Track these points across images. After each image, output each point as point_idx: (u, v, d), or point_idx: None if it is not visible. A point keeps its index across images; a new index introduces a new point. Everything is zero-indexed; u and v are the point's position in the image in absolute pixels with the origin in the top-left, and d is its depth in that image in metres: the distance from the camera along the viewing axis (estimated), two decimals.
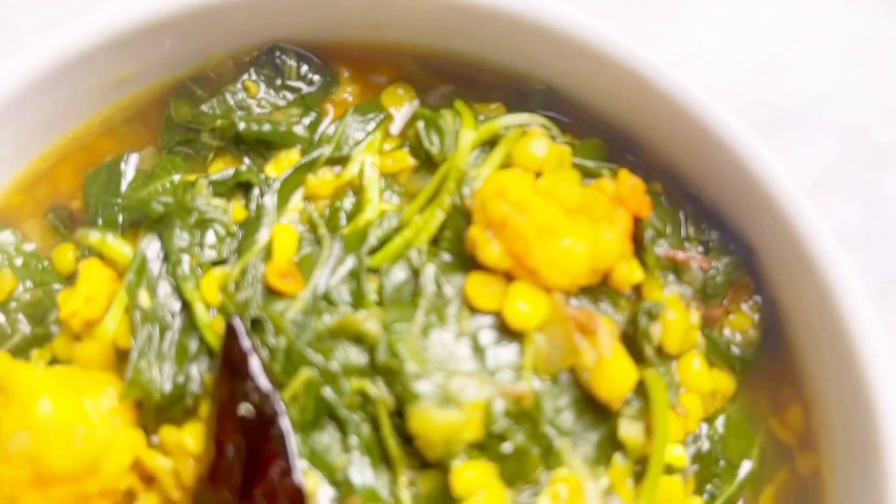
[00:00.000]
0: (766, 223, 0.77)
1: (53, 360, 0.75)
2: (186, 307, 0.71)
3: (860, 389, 0.73)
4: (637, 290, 0.75)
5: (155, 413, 0.68)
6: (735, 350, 0.78)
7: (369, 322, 0.68)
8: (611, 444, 0.69)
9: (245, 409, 0.63)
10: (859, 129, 1.07)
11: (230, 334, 0.66)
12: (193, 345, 0.69)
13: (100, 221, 0.79)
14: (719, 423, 0.77)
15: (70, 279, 0.80)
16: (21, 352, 0.76)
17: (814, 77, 1.07)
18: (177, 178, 0.78)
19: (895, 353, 0.72)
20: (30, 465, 0.61)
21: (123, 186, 0.81)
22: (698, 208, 0.81)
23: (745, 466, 0.77)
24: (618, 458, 0.69)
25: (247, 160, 0.80)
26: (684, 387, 0.75)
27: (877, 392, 0.72)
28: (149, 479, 0.69)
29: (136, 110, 0.85)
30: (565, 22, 0.76)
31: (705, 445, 0.76)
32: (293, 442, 0.63)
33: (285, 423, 0.63)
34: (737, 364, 0.78)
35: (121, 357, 0.72)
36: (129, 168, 0.83)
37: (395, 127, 0.83)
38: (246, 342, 0.65)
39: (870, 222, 1.03)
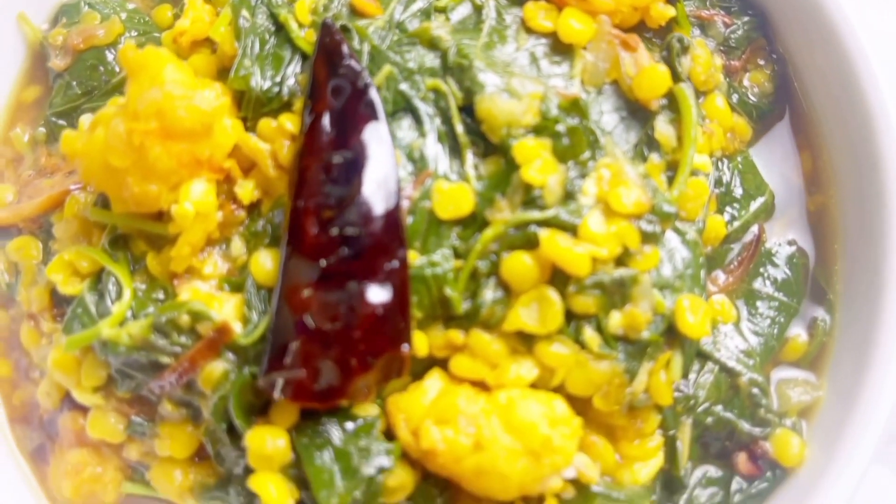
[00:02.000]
0: None
1: None
2: (281, 29, 0.81)
3: (866, 137, 0.83)
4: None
5: (255, 108, 0.78)
6: (752, 99, 0.89)
7: (441, 29, 0.79)
8: (647, 147, 0.80)
9: (338, 82, 0.74)
10: None
11: (325, 30, 0.77)
12: (287, 55, 0.80)
13: None
14: (739, 160, 0.88)
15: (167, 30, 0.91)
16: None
17: None
18: None
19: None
20: (157, 118, 0.72)
21: None
22: None
23: (759, 200, 0.88)
24: (653, 157, 0.80)
25: None
26: (709, 119, 0.85)
27: (881, 140, 0.83)
28: (246, 170, 0.79)
29: None
30: None
31: (726, 176, 0.87)
32: (381, 107, 0.74)
33: (374, 93, 0.74)
34: (754, 112, 0.89)
35: (220, 73, 0.82)
36: None
37: None
38: (338, 34, 0.76)
39: None
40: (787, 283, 0.87)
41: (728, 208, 0.87)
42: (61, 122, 0.89)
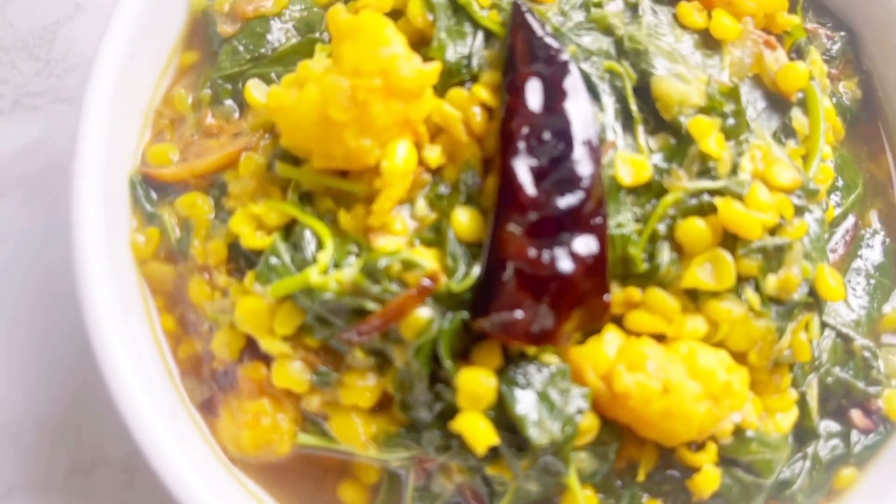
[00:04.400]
0: (868, 14, 1.01)
1: None
2: (459, 10, 0.87)
3: None
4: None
5: (443, 79, 0.84)
6: (847, 102, 1.02)
7: (615, 18, 0.87)
8: (784, 134, 0.91)
9: (539, 55, 0.80)
10: None
11: (517, 10, 0.83)
12: (469, 30, 0.86)
13: None
14: (837, 155, 1.00)
15: (327, 8, 0.96)
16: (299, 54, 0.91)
17: None
18: None
19: None
20: (382, 76, 0.76)
21: None
22: (816, 3, 1.04)
23: (856, 191, 1.00)
24: (790, 143, 0.90)
25: None
26: None
27: None
28: (433, 136, 0.84)
29: None
30: None
31: (830, 154, 0.98)
32: (581, 80, 0.81)
33: (574, 67, 0.81)
34: (847, 113, 1.02)
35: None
36: None
37: None
38: (532, 13, 0.83)
39: None
40: (882, 266, 0.99)
41: (833, 195, 0.98)
42: (227, 85, 0.91)
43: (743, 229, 0.81)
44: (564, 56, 0.81)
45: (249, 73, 0.91)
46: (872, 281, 0.98)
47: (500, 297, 0.76)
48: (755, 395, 0.86)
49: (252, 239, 0.82)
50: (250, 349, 0.83)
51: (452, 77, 0.84)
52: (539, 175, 0.77)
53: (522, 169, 0.78)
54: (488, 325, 0.75)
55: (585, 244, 0.77)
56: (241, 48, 0.91)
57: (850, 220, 0.99)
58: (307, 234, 0.81)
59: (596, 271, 0.77)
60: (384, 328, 0.78)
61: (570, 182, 0.77)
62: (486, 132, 0.83)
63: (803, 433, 0.89)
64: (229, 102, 0.92)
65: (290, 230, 0.82)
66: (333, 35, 0.80)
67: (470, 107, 0.83)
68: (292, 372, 0.81)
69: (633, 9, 0.92)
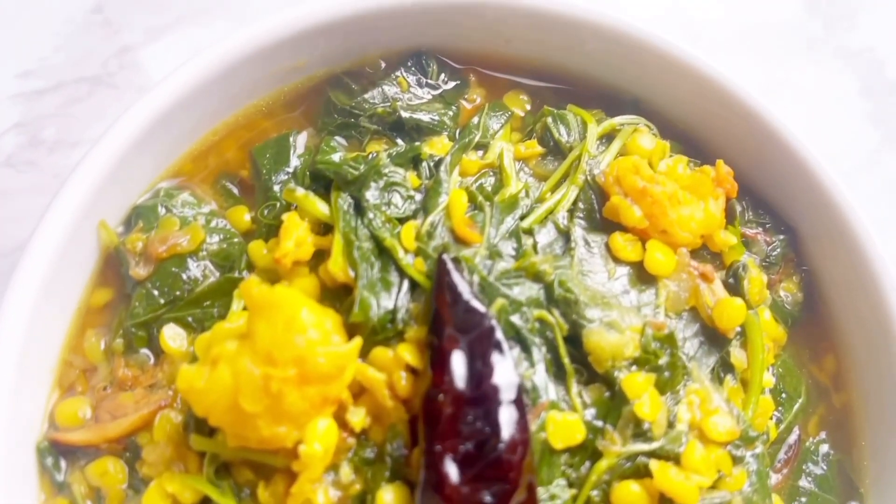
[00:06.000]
0: (808, 210, 0.99)
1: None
2: (383, 253, 0.83)
3: (885, 340, 0.95)
4: (721, 257, 0.95)
5: (368, 336, 0.80)
6: (787, 307, 0.99)
7: (545, 264, 0.84)
8: (722, 369, 0.88)
9: (464, 322, 0.77)
10: None
11: (441, 267, 0.80)
12: (395, 280, 0.82)
13: (276, 186, 0.91)
14: (779, 364, 0.98)
15: (246, 235, 0.92)
16: (216, 295, 0.87)
17: None
18: (338, 155, 0.91)
19: None
20: (296, 365, 0.72)
21: (292, 158, 0.94)
22: (754, 200, 1.02)
23: (799, 401, 0.98)
24: (728, 379, 0.88)
25: (400, 142, 0.95)
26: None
27: None
28: (356, 396, 0.80)
29: (295, 96, 0.99)
30: (653, 38, 0.96)
31: (773, 381, 0.96)
32: (507, 348, 0.77)
33: (500, 334, 0.78)
34: (788, 319, 0.99)
35: (324, 294, 0.83)
36: (298, 143, 0.96)
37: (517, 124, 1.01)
38: (456, 274, 0.80)
39: None
40: (823, 480, 0.97)
41: (775, 412, 0.96)
42: (141, 332, 0.87)
43: (680, 497, 0.78)
44: (489, 322, 0.78)
45: (165, 318, 0.87)
46: (816, 499, 0.95)
47: None
48: None
49: None
50: None
51: (377, 334, 0.80)
52: (465, 461, 0.74)
53: (447, 457, 0.74)
54: None
55: None
56: (155, 292, 0.87)
57: (794, 436, 0.97)
58: None
59: None
60: None
61: (497, 469, 0.74)
62: (412, 393, 0.79)
63: None
64: (144, 351, 0.87)
65: None
66: (248, 308, 0.76)
67: (395, 370, 0.79)
68: None
69: (565, 237, 0.89)
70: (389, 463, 0.78)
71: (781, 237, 1.00)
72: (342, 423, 0.80)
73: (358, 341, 0.76)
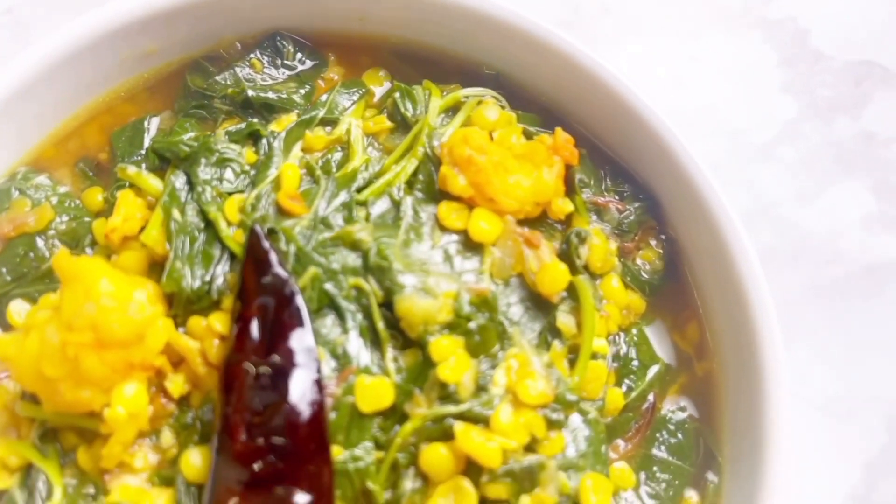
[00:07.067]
0: (669, 181, 0.98)
1: None
2: (210, 226, 0.86)
3: (742, 309, 0.93)
4: (568, 224, 0.95)
5: (185, 306, 0.83)
6: (644, 276, 0.98)
7: (363, 232, 0.85)
8: (550, 334, 0.88)
9: (266, 289, 0.79)
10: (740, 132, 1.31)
11: (253, 237, 0.82)
12: (216, 252, 0.85)
13: (129, 168, 0.95)
14: (634, 333, 0.97)
15: (98, 215, 0.95)
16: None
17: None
18: (192, 134, 0.94)
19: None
20: (92, 331, 0.76)
21: (146, 140, 0.97)
22: (615, 169, 1.02)
23: (654, 369, 0.97)
24: (556, 344, 0.88)
25: (254, 121, 0.98)
26: (606, 300, 0.94)
27: (755, 311, 0.93)
28: (176, 364, 0.83)
29: (156, 81, 1.02)
30: (512, 17, 0.97)
31: (623, 349, 0.95)
32: (306, 315, 0.79)
33: (300, 300, 0.80)
34: (646, 287, 0.98)
35: (151, 267, 0.87)
36: (151, 127, 0.99)
37: (374, 100, 1.03)
38: (266, 242, 0.82)
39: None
40: (680, 447, 0.95)
41: (626, 380, 0.95)
42: None
43: (482, 458, 0.79)
44: (290, 288, 0.80)
45: (12, 294, 0.91)
46: (670, 467, 0.94)
47: None
48: None
49: None
50: None
51: (193, 304, 0.83)
52: (254, 423, 0.76)
53: (239, 416, 0.76)
54: None
55: (303, 497, 0.75)
56: (3, 270, 0.91)
57: (648, 403, 0.96)
58: (41, 479, 0.80)
59: None
60: None
61: (287, 431, 0.76)
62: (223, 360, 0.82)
63: None
64: None
65: (29, 471, 0.82)
66: (60, 279, 0.80)
67: (208, 338, 0.82)
68: None
69: (398, 209, 0.90)
70: (199, 427, 0.81)
71: (637, 205, 0.99)
72: (163, 390, 0.83)
73: (156, 309, 0.79)
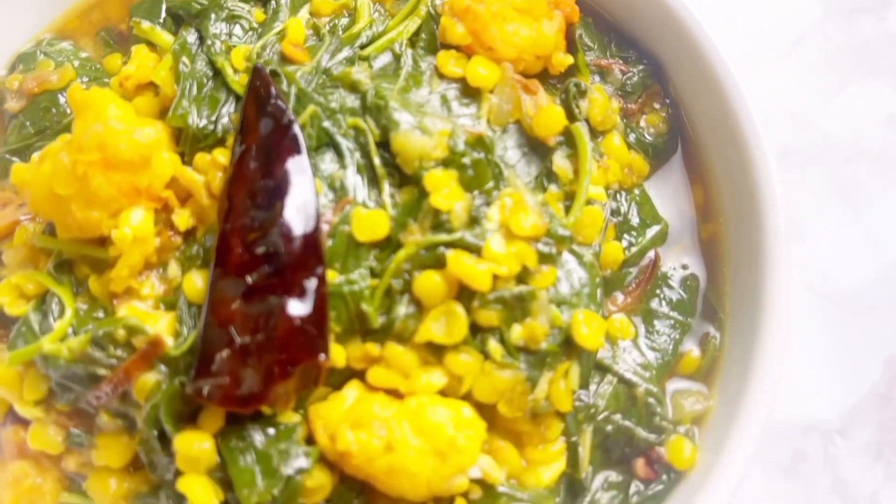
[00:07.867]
0: (673, 46, 0.98)
1: None
2: (218, 74, 0.90)
3: (744, 170, 0.93)
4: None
5: (191, 143, 0.86)
6: (648, 138, 0.99)
7: (361, 74, 0.88)
8: (546, 179, 0.89)
9: (265, 118, 0.82)
10: None
11: (255, 74, 0.86)
12: (223, 96, 0.88)
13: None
14: (636, 192, 0.97)
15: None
16: None
17: None
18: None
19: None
20: (99, 150, 0.79)
21: (163, 12, 1.01)
22: (620, 36, 1.02)
23: (655, 228, 0.97)
24: (552, 187, 0.89)
25: None
26: (607, 156, 0.95)
27: (758, 171, 0.92)
28: (183, 200, 0.87)
29: None
30: None
31: (624, 206, 0.96)
32: (303, 141, 0.82)
33: (297, 128, 0.82)
34: (650, 150, 0.99)
35: (162, 114, 0.90)
36: None
37: None
38: (267, 77, 0.85)
39: None
40: (681, 304, 0.95)
41: (626, 236, 0.95)
42: (14, 159, 0.96)
43: (472, 280, 0.80)
44: (288, 117, 0.83)
45: (35, 146, 0.96)
46: (669, 321, 0.94)
47: (211, 362, 0.77)
48: (518, 447, 0.85)
49: (13, 307, 0.86)
50: (12, 414, 0.87)
51: (200, 142, 0.87)
52: (250, 239, 0.79)
53: (236, 232, 0.79)
54: (195, 390, 0.77)
55: (296, 306, 0.77)
56: (27, 123, 0.96)
57: (648, 259, 0.96)
58: (55, 302, 0.84)
59: (309, 332, 0.78)
60: (115, 392, 0.80)
61: (282, 244, 0.78)
62: None
63: (574, 486, 0.87)
64: None
65: (44, 298, 0.86)
66: (73, 111, 0.84)
67: (212, 171, 0.85)
68: (46, 435, 0.85)
69: (398, 60, 0.92)
70: (201, 253, 0.84)
71: (641, 67, 1.00)
72: (170, 225, 0.86)
73: (162, 133, 0.83)
